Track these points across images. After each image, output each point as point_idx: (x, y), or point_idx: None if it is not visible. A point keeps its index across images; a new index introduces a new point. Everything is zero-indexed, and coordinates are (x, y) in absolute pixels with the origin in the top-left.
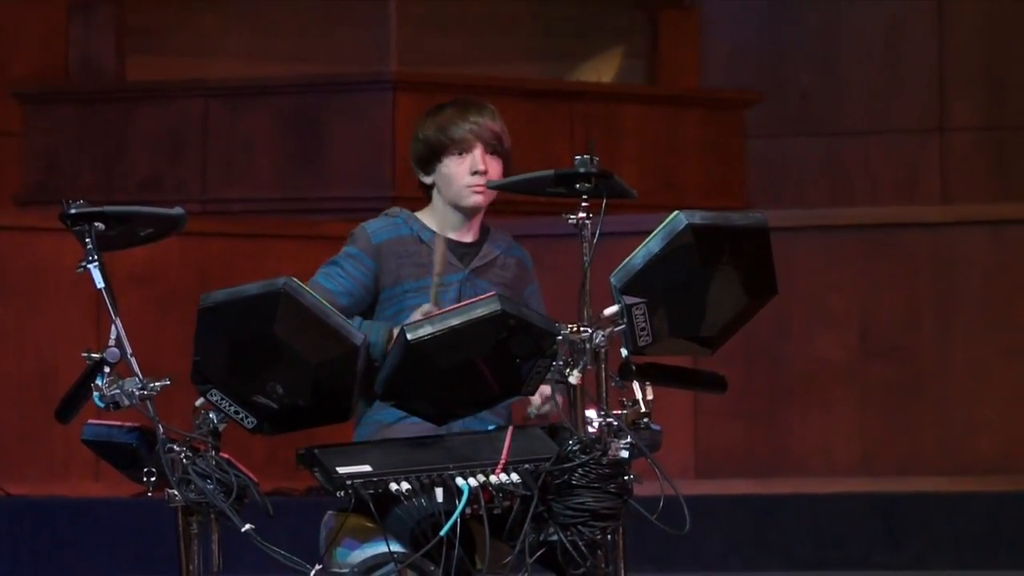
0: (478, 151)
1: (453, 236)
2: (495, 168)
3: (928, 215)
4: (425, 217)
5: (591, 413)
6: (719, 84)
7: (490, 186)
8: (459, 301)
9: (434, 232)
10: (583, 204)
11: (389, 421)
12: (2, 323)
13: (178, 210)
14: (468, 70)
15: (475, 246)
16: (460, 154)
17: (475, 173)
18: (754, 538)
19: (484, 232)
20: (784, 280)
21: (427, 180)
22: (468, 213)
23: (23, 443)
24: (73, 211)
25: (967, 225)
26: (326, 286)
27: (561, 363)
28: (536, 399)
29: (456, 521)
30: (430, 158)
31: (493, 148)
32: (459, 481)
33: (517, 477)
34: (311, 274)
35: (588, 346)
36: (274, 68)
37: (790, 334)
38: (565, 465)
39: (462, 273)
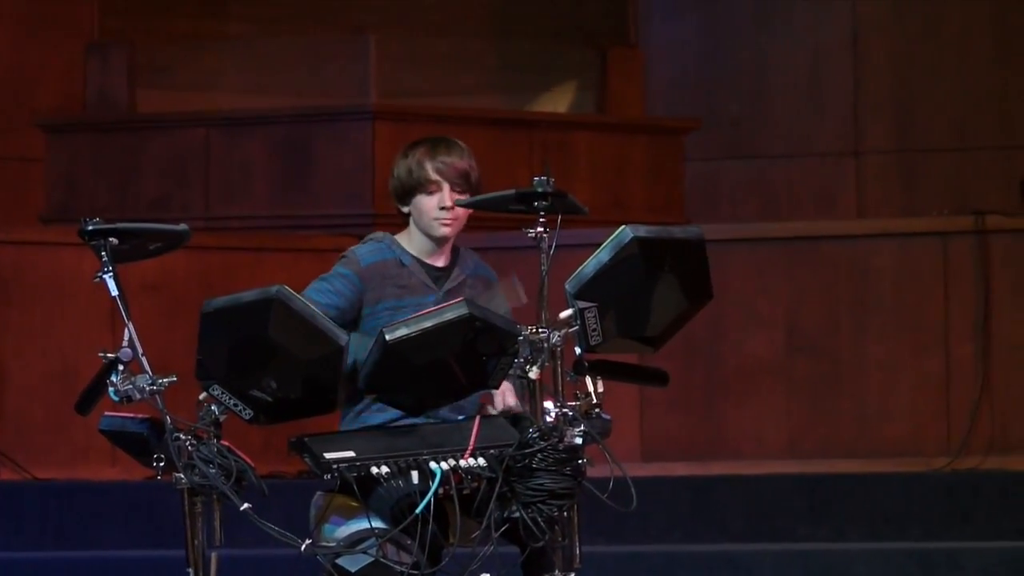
0: (445, 189)
1: (428, 260)
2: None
3: (845, 228)
4: (403, 240)
5: (549, 404)
6: (660, 113)
7: (458, 204)
8: None
9: (413, 257)
10: (541, 220)
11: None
12: (29, 327)
13: (183, 227)
14: (438, 102)
15: (447, 270)
16: (429, 192)
17: (443, 208)
18: (693, 514)
19: (455, 254)
20: (719, 286)
21: (404, 210)
22: (439, 242)
23: (48, 433)
24: (90, 228)
25: (879, 237)
26: (317, 300)
27: (522, 360)
28: (500, 405)
29: (430, 500)
30: (404, 195)
31: (460, 186)
32: (432, 465)
33: (484, 461)
34: (303, 282)
35: (546, 345)
36: (268, 101)
37: (724, 334)
38: (526, 450)
39: (436, 295)
